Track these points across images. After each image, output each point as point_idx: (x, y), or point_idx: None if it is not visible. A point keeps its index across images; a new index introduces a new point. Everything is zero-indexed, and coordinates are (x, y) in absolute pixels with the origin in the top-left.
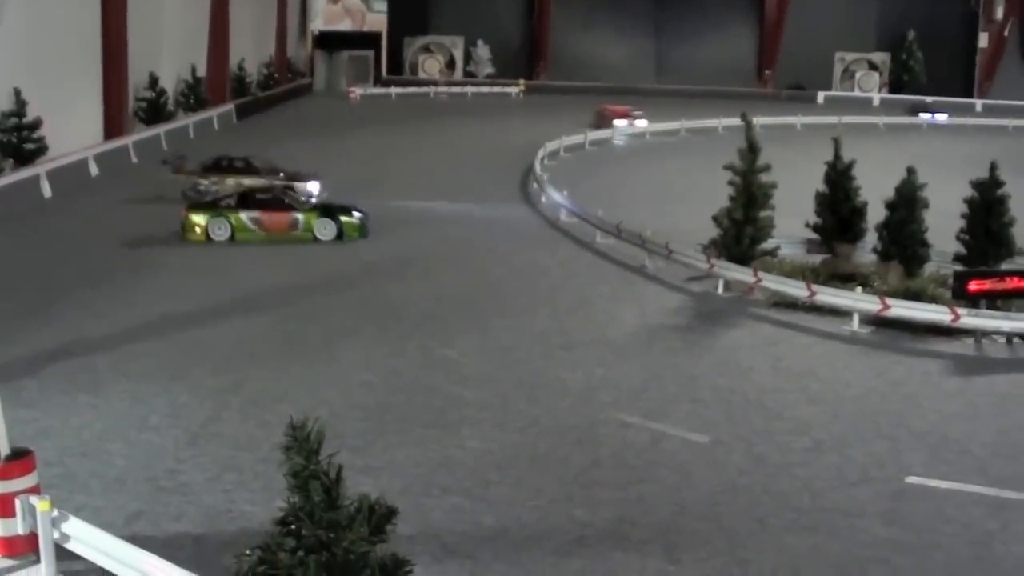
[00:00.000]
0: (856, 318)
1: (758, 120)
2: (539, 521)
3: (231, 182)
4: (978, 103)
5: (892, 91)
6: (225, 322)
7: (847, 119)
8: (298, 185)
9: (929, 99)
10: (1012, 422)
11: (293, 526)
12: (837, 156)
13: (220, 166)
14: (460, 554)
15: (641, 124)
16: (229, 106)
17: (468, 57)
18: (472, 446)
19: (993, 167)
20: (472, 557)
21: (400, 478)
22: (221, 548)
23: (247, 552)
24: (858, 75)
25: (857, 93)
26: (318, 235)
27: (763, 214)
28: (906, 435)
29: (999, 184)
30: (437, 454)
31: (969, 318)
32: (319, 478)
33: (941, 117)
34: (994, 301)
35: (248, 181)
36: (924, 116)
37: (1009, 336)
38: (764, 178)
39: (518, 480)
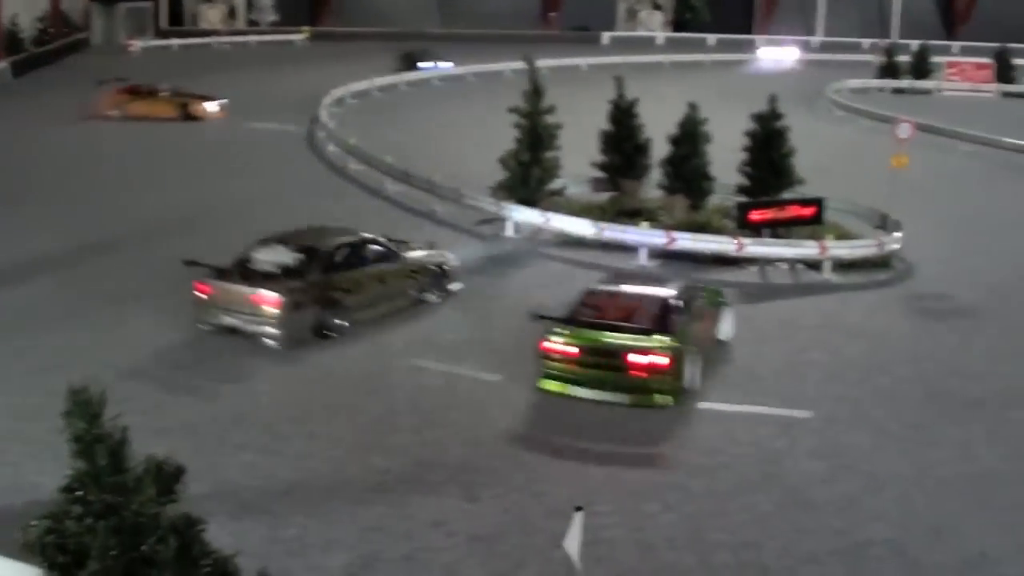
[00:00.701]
0: (644, 252)
1: (544, 63)
2: (336, 472)
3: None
4: (759, 39)
5: (676, 29)
6: (5, 287)
7: (632, 58)
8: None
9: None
10: (794, 344)
11: (79, 492)
12: (620, 95)
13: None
14: (257, 509)
15: (446, 66)
16: (3, 63)
17: (250, 5)
18: (265, 401)
19: (772, 100)
20: (269, 512)
21: (193, 437)
22: (11, 522)
23: (33, 523)
24: (641, 14)
25: (641, 32)
26: None
27: (549, 155)
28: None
29: (778, 116)
30: (230, 411)
31: (753, 247)
32: (103, 441)
33: (446, 65)
34: (776, 229)
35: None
36: (425, 66)
37: (791, 262)
38: (549, 119)
39: (312, 432)
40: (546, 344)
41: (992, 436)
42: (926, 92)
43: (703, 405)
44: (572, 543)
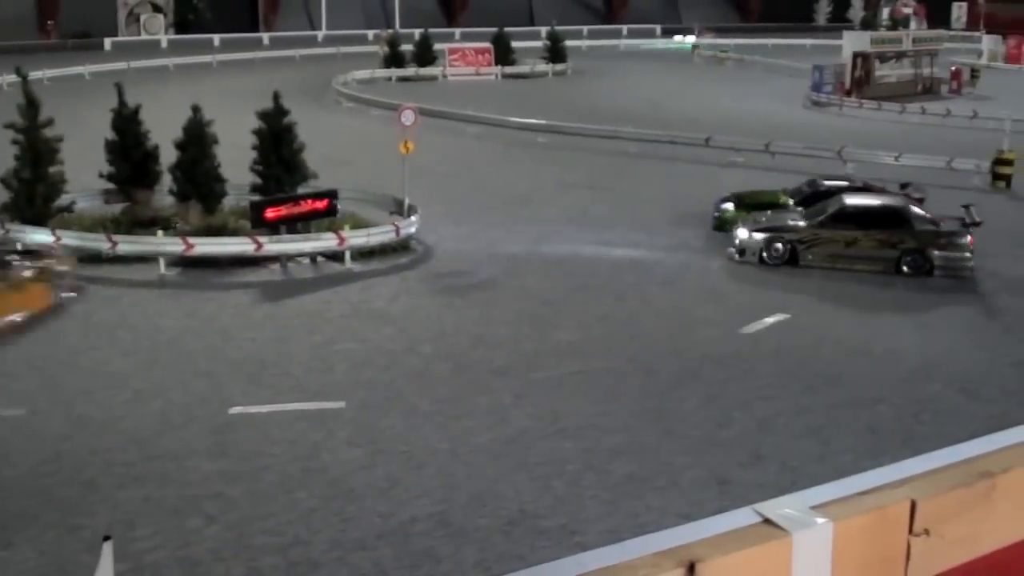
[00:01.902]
0: (163, 262)
1: (44, 73)
2: None
3: None
4: (265, 36)
5: (179, 31)
6: None
7: (136, 63)
8: None
9: None
10: (322, 337)
11: None
12: (122, 102)
13: None
14: None
15: None
16: None
17: None
18: None
19: (276, 96)
20: None
21: None
22: None
23: None
24: (143, 18)
25: (144, 36)
26: None
27: (53, 170)
28: (225, 368)
29: (284, 112)
30: None
31: (272, 245)
32: None
33: None
34: (294, 225)
35: None
36: None
37: (312, 256)
38: (49, 132)
39: None
40: None
41: (519, 399)
42: (432, 78)
43: (235, 410)
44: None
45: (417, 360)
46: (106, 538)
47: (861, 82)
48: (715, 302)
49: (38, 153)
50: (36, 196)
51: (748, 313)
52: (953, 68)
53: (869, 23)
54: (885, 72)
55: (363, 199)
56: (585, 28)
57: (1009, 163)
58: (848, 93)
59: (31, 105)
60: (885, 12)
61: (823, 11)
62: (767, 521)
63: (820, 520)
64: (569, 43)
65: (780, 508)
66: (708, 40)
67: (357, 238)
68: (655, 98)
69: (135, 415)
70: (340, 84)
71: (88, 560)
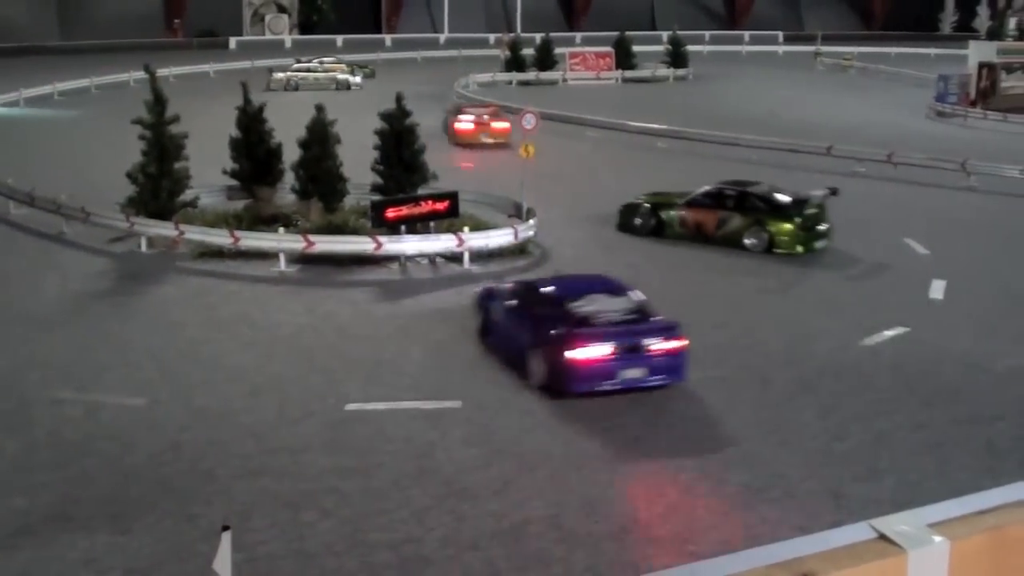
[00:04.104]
0: (283, 259)
1: (170, 70)
2: None
3: None
4: (388, 38)
5: (303, 32)
6: None
7: (260, 62)
8: None
9: None
10: (439, 336)
11: None
12: (247, 100)
13: None
14: None
15: None
16: None
17: None
18: None
19: (399, 98)
20: None
21: None
22: None
23: None
24: (268, 18)
25: (269, 36)
26: None
27: (178, 165)
28: (342, 365)
29: (407, 114)
30: None
31: (391, 244)
32: None
33: None
34: (414, 225)
35: None
36: None
37: (431, 257)
38: (175, 129)
39: None
40: None
41: (634, 402)
42: (552, 83)
43: (351, 407)
44: (222, 564)
45: None
46: (225, 528)
47: (987, 93)
48: (833, 314)
49: (164, 149)
50: (161, 191)
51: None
52: None
53: (995, 33)
54: (1012, 83)
55: (482, 201)
56: (707, 33)
57: None
58: (973, 104)
59: (158, 101)
60: (1012, 22)
61: (948, 20)
62: (883, 537)
63: (937, 539)
64: (691, 48)
65: (897, 525)
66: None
67: (476, 240)
68: (776, 105)
69: (253, 408)
70: (461, 87)
71: (203, 549)
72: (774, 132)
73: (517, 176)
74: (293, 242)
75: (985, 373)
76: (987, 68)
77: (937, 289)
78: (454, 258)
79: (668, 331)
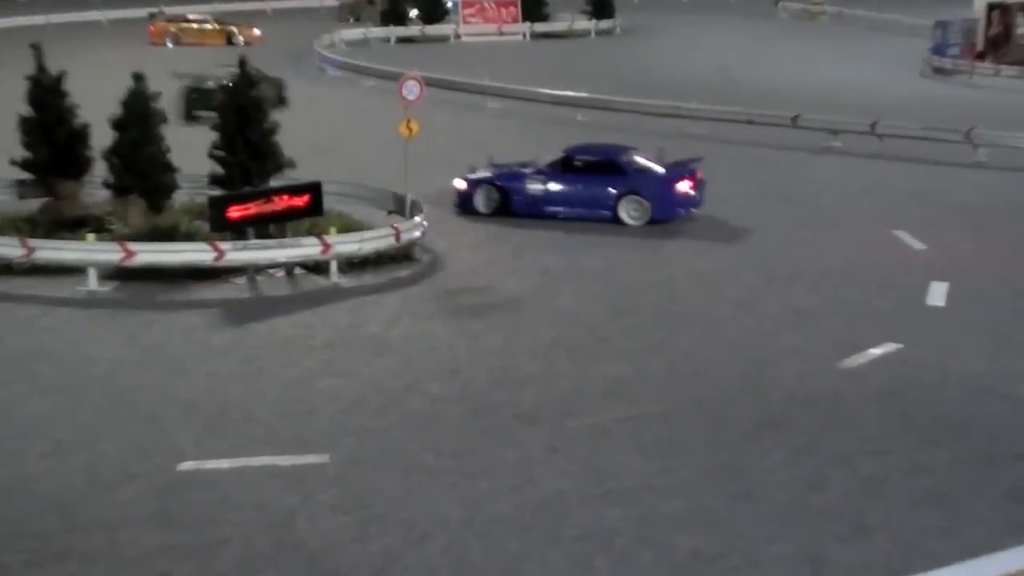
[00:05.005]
0: (93, 274)
1: None
2: None
3: None
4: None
5: None
6: None
7: (57, 17)
8: None
9: None
10: (301, 371)
11: None
12: (41, 68)
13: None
14: None
15: None
16: None
17: None
18: None
19: (242, 62)
20: None
21: None
22: None
23: None
24: None
25: None
26: None
27: None
28: (174, 412)
29: (253, 83)
30: None
31: (236, 253)
32: None
33: None
34: (265, 227)
35: None
36: None
37: (288, 267)
38: None
39: None
40: None
41: (552, 453)
42: (442, 39)
43: (186, 466)
44: None
45: (422, 402)
46: None
47: (998, 41)
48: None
49: None
50: None
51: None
52: None
53: None
54: None
55: (354, 195)
56: None
57: None
58: (981, 56)
59: None
60: None
61: None
62: None
63: None
64: None
65: None
66: None
67: (346, 245)
68: (728, 64)
69: (56, 472)
70: (325, 47)
71: None
72: (725, 99)
73: (398, 161)
74: (107, 252)
75: (1001, 400)
76: (999, 9)
77: (937, 294)
78: (317, 269)
79: (695, 169)
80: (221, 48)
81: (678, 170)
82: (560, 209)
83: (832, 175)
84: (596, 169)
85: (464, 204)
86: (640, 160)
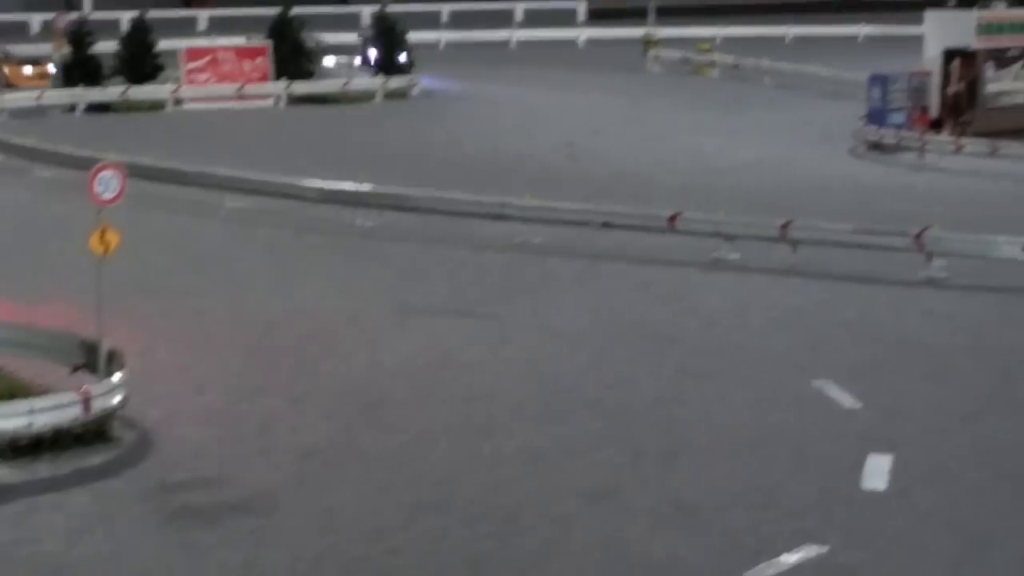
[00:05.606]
0: None
1: None
2: None
3: None
4: None
5: None
6: None
7: None
8: None
9: None
10: None
11: None
12: None
13: None
14: None
15: None
16: None
17: None
18: None
19: None
20: None
21: None
22: None
23: None
24: None
25: None
26: None
27: None
28: None
29: None
30: None
31: None
32: None
33: None
34: None
35: None
36: None
37: None
38: None
39: None
40: None
41: None
42: (157, 106)
43: None
44: None
45: None
46: None
47: (960, 104)
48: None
49: None
50: None
51: None
52: None
53: None
54: (1005, 87)
55: (21, 342)
56: (445, 8)
57: None
58: (936, 126)
59: None
60: None
61: None
62: None
63: None
64: (417, 36)
65: None
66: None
67: (9, 419)
68: (578, 140)
69: None
70: None
71: None
72: (576, 191)
73: (88, 290)
74: None
75: None
76: (959, 59)
77: (876, 472)
78: None
79: None
80: None
81: None
82: None
83: (726, 301)
84: None
85: None
86: None
